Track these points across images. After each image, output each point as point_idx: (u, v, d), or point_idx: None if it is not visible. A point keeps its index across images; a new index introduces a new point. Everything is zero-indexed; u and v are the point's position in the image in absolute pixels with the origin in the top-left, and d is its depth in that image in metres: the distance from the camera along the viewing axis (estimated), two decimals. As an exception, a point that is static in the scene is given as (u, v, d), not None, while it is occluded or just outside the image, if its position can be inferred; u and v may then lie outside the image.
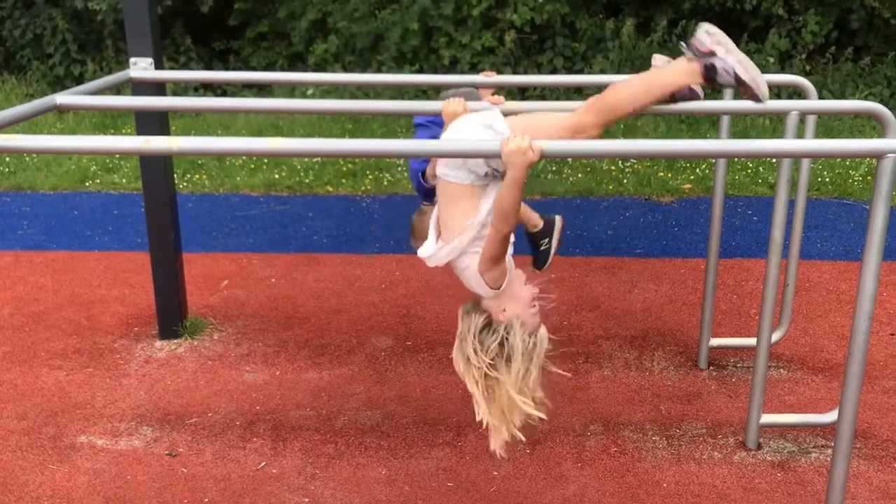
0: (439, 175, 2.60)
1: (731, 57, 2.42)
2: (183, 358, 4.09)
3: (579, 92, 8.74)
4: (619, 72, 8.90)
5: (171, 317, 4.27)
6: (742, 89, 2.46)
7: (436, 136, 3.01)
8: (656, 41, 9.14)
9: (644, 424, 3.51)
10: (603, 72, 8.88)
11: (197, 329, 4.33)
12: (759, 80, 2.48)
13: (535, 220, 3.49)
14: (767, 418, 3.35)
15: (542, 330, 2.55)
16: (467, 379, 2.49)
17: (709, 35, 2.42)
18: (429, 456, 3.31)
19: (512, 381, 2.44)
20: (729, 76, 2.39)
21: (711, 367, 3.99)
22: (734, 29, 9.51)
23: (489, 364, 2.45)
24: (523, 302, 2.54)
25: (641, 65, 8.96)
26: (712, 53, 2.40)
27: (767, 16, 9.22)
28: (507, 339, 2.46)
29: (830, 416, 3.30)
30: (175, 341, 4.24)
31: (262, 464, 3.26)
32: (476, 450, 3.33)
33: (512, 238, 2.56)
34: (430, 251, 2.64)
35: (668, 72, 2.56)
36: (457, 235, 2.54)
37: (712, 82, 2.42)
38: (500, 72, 8.89)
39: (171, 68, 9.26)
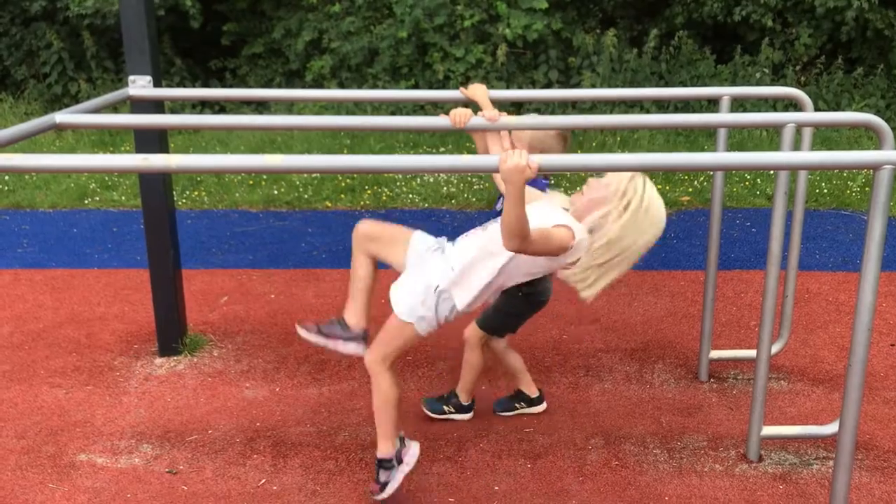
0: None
1: None
2: (183, 375, 4.09)
3: (574, 106, 8.81)
4: (610, 85, 8.94)
5: (171, 334, 4.26)
6: None
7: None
8: (648, 53, 9.18)
9: (645, 437, 3.50)
10: (593, 86, 8.92)
11: (196, 346, 4.33)
12: None
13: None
14: (768, 430, 3.34)
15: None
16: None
17: None
18: (430, 471, 3.30)
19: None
20: None
21: (712, 380, 3.99)
22: (728, 41, 9.58)
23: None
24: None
25: (632, 77, 9.02)
26: None
27: (761, 28, 9.28)
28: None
29: (832, 428, 3.29)
30: (175, 358, 4.23)
31: (263, 481, 3.25)
32: (477, 465, 3.32)
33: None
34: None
35: None
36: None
37: None
38: (492, 86, 8.94)
39: (167, 86, 9.30)
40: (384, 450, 3.00)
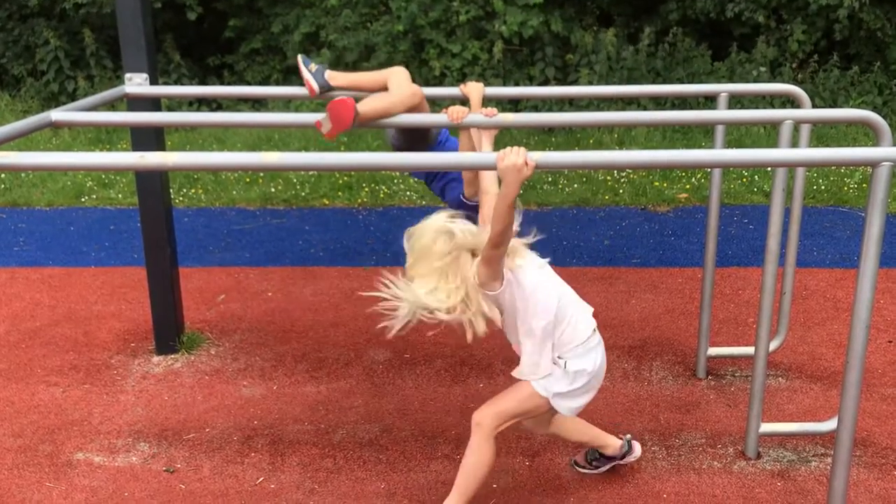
0: None
1: None
2: (180, 373, 4.08)
3: (571, 103, 8.80)
4: (607, 82, 8.93)
5: (168, 332, 4.25)
6: None
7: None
8: (644, 50, 9.17)
9: (643, 434, 3.50)
10: (590, 83, 8.91)
11: (194, 344, 4.32)
12: None
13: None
14: (766, 427, 3.34)
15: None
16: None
17: None
18: (427, 469, 3.30)
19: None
20: None
21: (710, 377, 3.99)
22: (723, 38, 9.57)
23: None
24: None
25: (629, 75, 9.00)
26: None
27: (755, 25, 9.27)
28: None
29: (830, 425, 3.29)
30: (172, 356, 4.23)
31: (261, 479, 3.24)
32: (475, 462, 3.31)
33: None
34: None
35: None
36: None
37: None
38: (489, 83, 8.93)
39: (164, 83, 9.28)
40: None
